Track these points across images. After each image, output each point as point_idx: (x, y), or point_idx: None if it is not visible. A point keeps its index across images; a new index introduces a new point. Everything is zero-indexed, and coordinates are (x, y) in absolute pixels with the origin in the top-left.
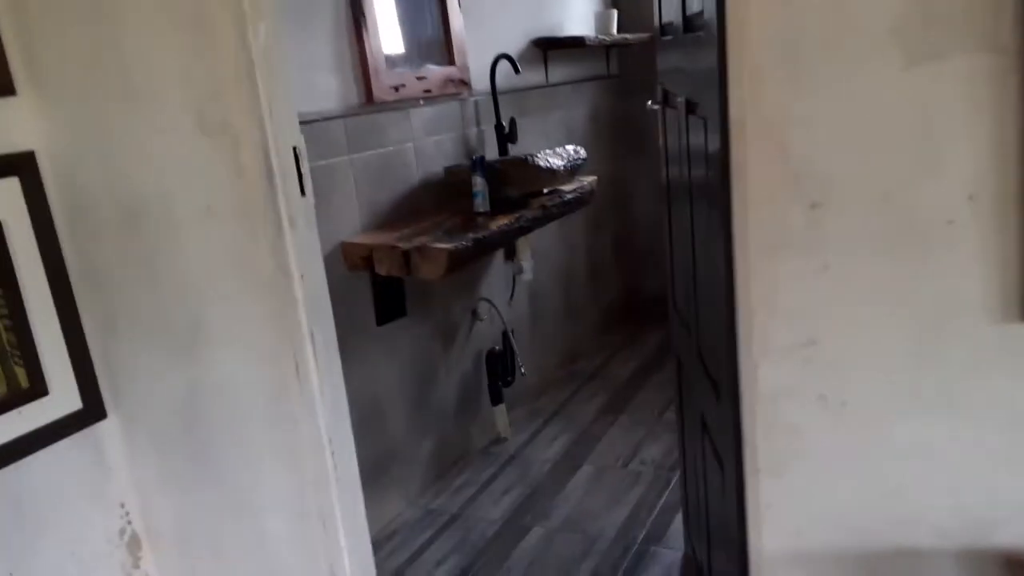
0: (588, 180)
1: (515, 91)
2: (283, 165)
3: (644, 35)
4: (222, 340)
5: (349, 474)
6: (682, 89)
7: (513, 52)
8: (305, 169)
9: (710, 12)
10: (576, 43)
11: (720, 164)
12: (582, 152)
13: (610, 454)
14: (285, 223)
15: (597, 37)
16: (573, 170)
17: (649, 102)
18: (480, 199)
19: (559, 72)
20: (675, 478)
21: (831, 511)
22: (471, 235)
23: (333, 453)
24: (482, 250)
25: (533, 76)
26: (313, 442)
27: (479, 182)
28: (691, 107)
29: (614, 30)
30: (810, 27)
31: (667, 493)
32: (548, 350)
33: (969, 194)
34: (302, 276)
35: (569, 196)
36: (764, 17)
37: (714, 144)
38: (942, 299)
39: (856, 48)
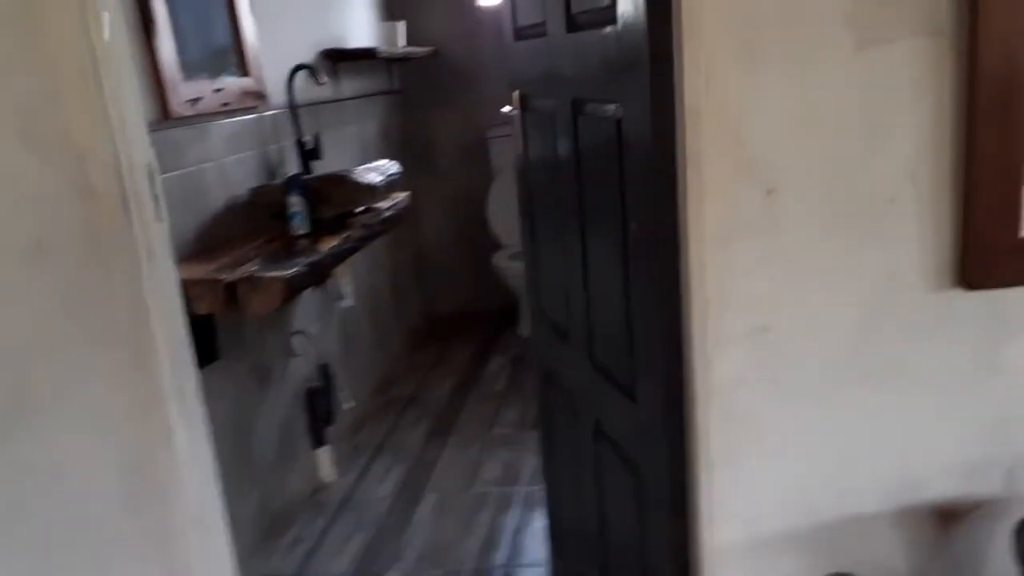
0: (402, 196)
1: (309, 105)
2: (137, 188)
3: (428, 49)
4: (56, 407)
5: (222, 554)
6: (561, 91)
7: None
8: (160, 191)
9: (632, 4)
10: (367, 55)
11: (658, 158)
12: (396, 167)
13: (450, 479)
14: (143, 254)
15: (385, 49)
16: (390, 186)
17: (506, 107)
18: (299, 220)
19: (348, 86)
20: (519, 494)
21: (783, 494)
22: (303, 260)
23: (209, 530)
24: (317, 276)
25: (325, 89)
26: (184, 521)
27: (296, 202)
28: (579, 107)
29: (401, 42)
30: (766, 14)
31: (518, 510)
32: (362, 379)
33: (910, 172)
34: (163, 317)
35: (387, 213)
36: (719, 5)
37: (639, 139)
38: (885, 273)
39: (810, 33)
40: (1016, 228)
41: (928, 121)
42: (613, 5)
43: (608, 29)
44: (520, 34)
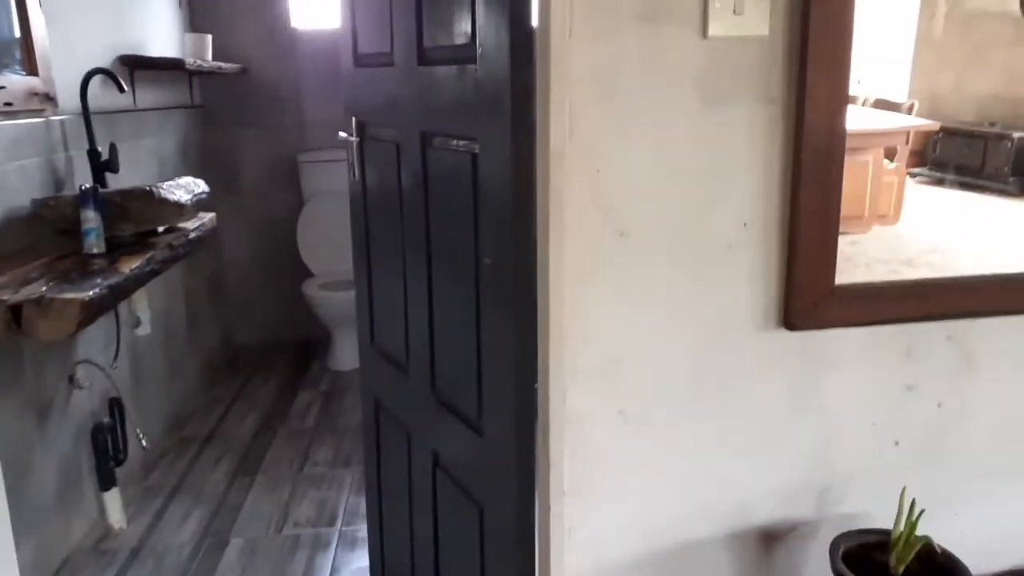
0: (208, 217)
1: (104, 113)
2: None
3: (237, 66)
4: None
5: None
6: (407, 122)
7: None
8: None
9: (495, 47)
10: (173, 65)
11: (518, 196)
12: (204, 185)
13: (258, 522)
14: None
15: (195, 61)
16: (197, 205)
17: (341, 133)
18: (94, 238)
19: (146, 97)
20: (335, 534)
21: (628, 522)
22: (101, 281)
23: None
24: (116, 299)
25: (121, 99)
26: None
27: (92, 217)
28: (429, 140)
29: (209, 56)
30: (626, 70)
31: (335, 551)
32: (154, 415)
33: (744, 221)
34: None
35: (193, 234)
36: (584, 59)
37: (497, 177)
38: (720, 313)
39: (664, 92)
40: (832, 276)
41: (761, 176)
42: (471, 44)
43: (467, 67)
44: (361, 61)
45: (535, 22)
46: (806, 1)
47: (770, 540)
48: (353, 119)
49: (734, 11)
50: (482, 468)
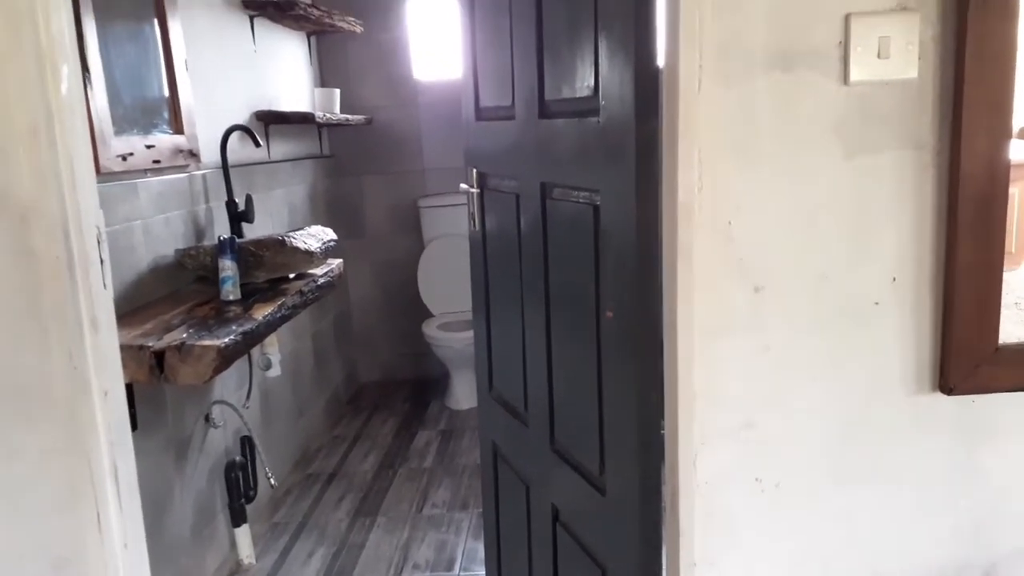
0: (336, 263)
1: (240, 166)
2: (85, 251)
3: (363, 117)
4: None
5: None
6: (527, 173)
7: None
8: (106, 254)
9: (619, 98)
10: (303, 119)
11: (643, 250)
12: (332, 234)
13: (379, 563)
14: (86, 324)
15: (324, 115)
16: (326, 253)
17: (462, 184)
18: (230, 285)
19: (279, 149)
20: None
21: None
22: (236, 327)
23: None
24: (249, 345)
25: (256, 152)
26: None
27: (229, 266)
28: (548, 191)
29: (337, 109)
30: (760, 120)
31: None
32: (282, 453)
33: (893, 277)
34: (106, 393)
35: (322, 280)
36: (715, 109)
37: (620, 228)
38: (867, 375)
39: (801, 141)
40: (995, 336)
41: (910, 229)
42: (594, 96)
43: (589, 119)
44: (483, 115)
45: (662, 70)
46: (961, 41)
47: None
48: (474, 171)
49: (878, 55)
50: (604, 528)
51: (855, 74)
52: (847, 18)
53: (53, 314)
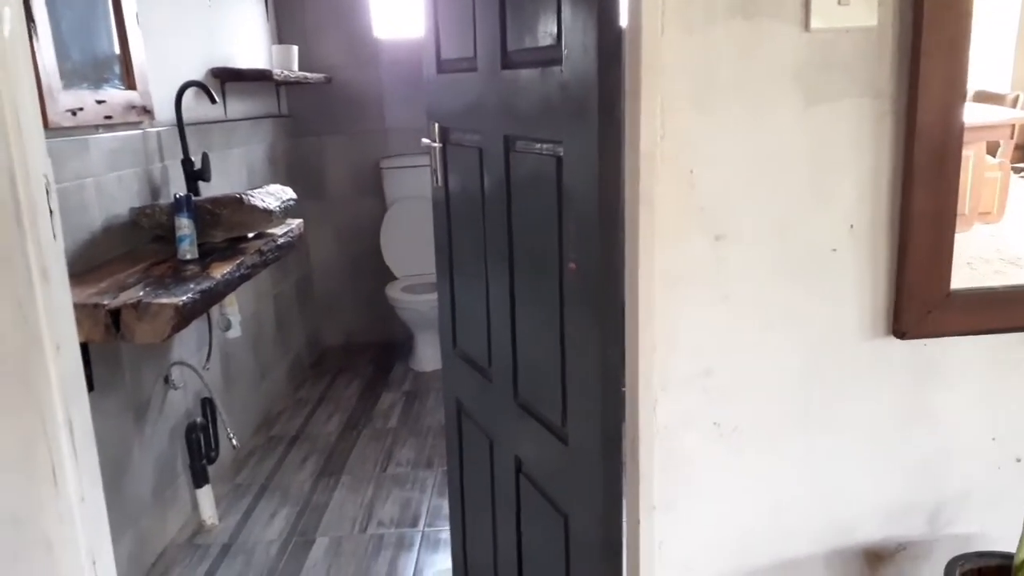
0: (296, 223)
1: (196, 124)
2: (33, 199)
3: (322, 75)
4: None
5: None
6: (490, 127)
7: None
8: (55, 204)
9: (581, 47)
10: (261, 76)
11: (605, 200)
12: (291, 192)
13: (343, 521)
14: (36, 275)
15: (282, 72)
16: (286, 212)
17: (424, 139)
18: (187, 244)
19: (235, 107)
20: (419, 535)
21: (721, 537)
22: (193, 286)
23: None
24: (208, 304)
25: (212, 110)
26: (71, 573)
27: (185, 224)
28: (512, 143)
29: (295, 67)
30: (722, 68)
31: (419, 552)
32: (244, 415)
33: (851, 224)
34: (58, 347)
35: (281, 240)
36: (677, 57)
37: (583, 179)
38: (824, 321)
39: (761, 87)
40: (946, 282)
41: (868, 176)
42: (557, 46)
43: (552, 69)
44: (444, 67)
45: (624, 20)
46: None
47: (875, 560)
48: (435, 125)
49: (839, 2)
50: (567, 477)
51: (816, 21)
52: None
53: (1, 264)
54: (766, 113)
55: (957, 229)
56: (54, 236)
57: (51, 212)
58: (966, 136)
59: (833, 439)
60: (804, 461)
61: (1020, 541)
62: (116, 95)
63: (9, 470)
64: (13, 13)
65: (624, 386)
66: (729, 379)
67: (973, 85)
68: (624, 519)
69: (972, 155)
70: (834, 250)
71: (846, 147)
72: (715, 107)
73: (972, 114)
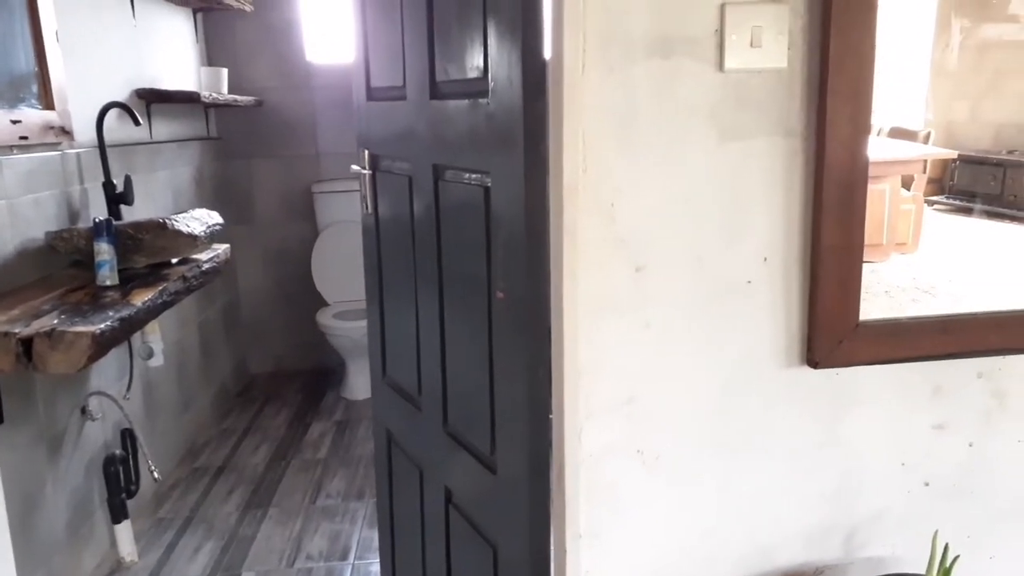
0: (222, 248)
1: (119, 146)
2: None
3: (253, 98)
4: None
5: None
6: (419, 155)
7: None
8: None
9: (507, 81)
10: (188, 98)
11: (530, 230)
12: (218, 217)
13: (270, 555)
14: None
15: (211, 95)
16: (211, 237)
17: (354, 166)
18: (107, 270)
19: (161, 129)
20: (348, 568)
21: (645, 564)
22: (112, 313)
23: None
24: (127, 332)
25: (136, 131)
26: None
27: (105, 249)
28: (440, 172)
29: (225, 89)
30: (640, 105)
31: None
32: (166, 446)
33: (764, 257)
34: None
35: (207, 266)
36: (598, 94)
37: (510, 210)
38: (741, 349)
39: (678, 124)
40: (855, 313)
41: (781, 212)
42: (483, 78)
43: (479, 101)
44: (374, 95)
45: (547, 56)
46: (825, 32)
47: None
48: (365, 152)
49: (751, 44)
50: (495, 507)
51: (729, 62)
52: (723, 7)
53: None
54: (683, 149)
55: (875, 259)
56: None
57: None
58: (882, 170)
59: (752, 465)
60: (725, 487)
61: (929, 563)
62: (33, 115)
63: None
64: None
65: (551, 413)
66: (651, 406)
67: (889, 122)
68: (551, 549)
69: (888, 188)
70: (749, 282)
71: (759, 183)
72: (634, 142)
73: (887, 150)
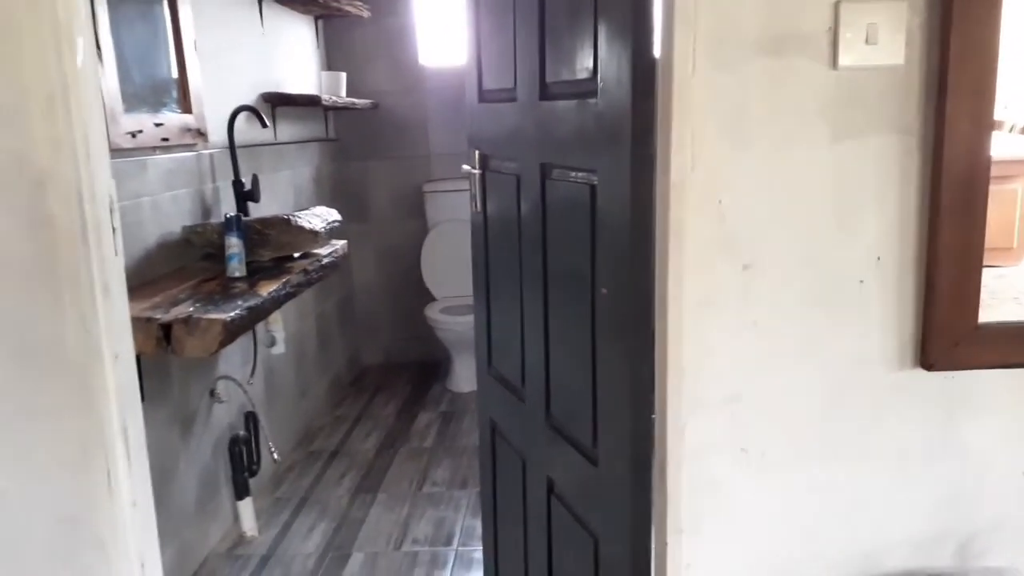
0: (340, 244)
1: (247, 147)
2: (98, 217)
3: (369, 101)
4: None
5: None
6: (528, 155)
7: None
8: (117, 223)
9: (616, 80)
10: (310, 101)
11: (637, 227)
12: (336, 214)
13: (378, 537)
14: (98, 290)
15: (330, 98)
16: (330, 233)
17: (464, 166)
18: (236, 262)
19: (285, 131)
20: (452, 554)
21: (746, 561)
22: (241, 303)
23: None
24: (254, 321)
25: (263, 133)
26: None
27: (235, 243)
28: (548, 171)
29: (343, 92)
30: (750, 103)
31: (452, 571)
32: (284, 430)
33: (877, 256)
34: (116, 356)
35: (326, 260)
36: (708, 92)
37: (616, 207)
38: (851, 350)
39: (789, 123)
40: (974, 315)
41: (895, 211)
42: (592, 79)
43: (588, 101)
44: (485, 97)
45: (657, 55)
46: (946, 28)
47: None
48: (476, 152)
49: (866, 41)
50: (597, 499)
51: (843, 59)
52: (836, 5)
53: (68, 279)
54: (793, 147)
55: (1004, 263)
56: (116, 253)
57: (114, 230)
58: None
59: (860, 468)
60: (831, 489)
61: None
62: (173, 118)
63: (68, 472)
64: (85, 43)
65: (654, 412)
66: (757, 405)
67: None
68: (652, 542)
69: (1020, 189)
70: (861, 281)
71: (872, 181)
72: (744, 140)
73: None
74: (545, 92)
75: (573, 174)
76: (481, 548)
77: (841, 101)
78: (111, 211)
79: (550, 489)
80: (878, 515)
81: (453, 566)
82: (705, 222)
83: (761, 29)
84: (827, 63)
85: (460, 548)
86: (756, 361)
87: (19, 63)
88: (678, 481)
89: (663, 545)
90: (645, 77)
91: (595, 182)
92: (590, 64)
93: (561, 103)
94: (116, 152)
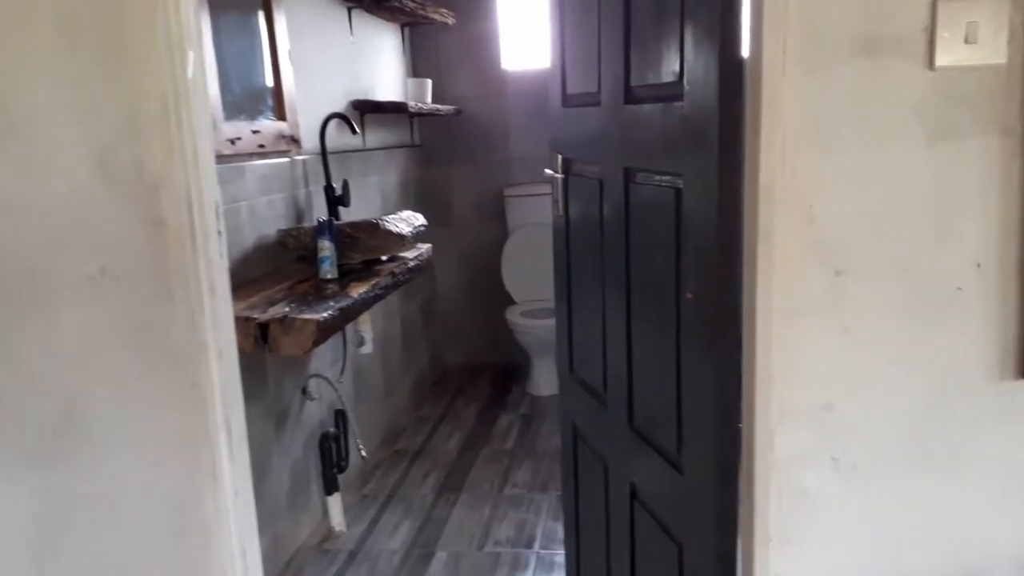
0: (425, 247)
1: (337, 153)
2: (205, 222)
3: (453, 107)
4: (104, 435)
5: None
6: (611, 159)
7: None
8: (223, 227)
9: (703, 83)
10: (397, 108)
11: (723, 232)
12: (422, 219)
13: (461, 537)
14: (205, 290)
15: (416, 104)
16: (417, 237)
17: (547, 170)
18: (328, 265)
19: (372, 137)
20: (533, 556)
21: (837, 573)
22: (333, 304)
23: (248, 571)
24: (345, 321)
25: (352, 139)
26: (224, 562)
27: (327, 246)
28: (631, 175)
29: (429, 99)
30: (843, 105)
31: (532, 572)
32: (371, 428)
33: (977, 263)
34: (220, 354)
35: (413, 263)
36: (798, 94)
37: (702, 211)
38: (949, 360)
39: (883, 125)
40: None
41: (996, 215)
42: (678, 81)
43: (673, 104)
44: (569, 101)
45: (746, 56)
46: None
47: None
48: (559, 157)
49: (966, 40)
50: (681, 506)
51: (941, 59)
52: (934, 3)
53: (177, 279)
54: (887, 150)
55: None
56: (221, 255)
57: (219, 234)
58: None
59: (959, 481)
60: (927, 502)
61: None
62: (269, 125)
63: (176, 462)
64: (196, 57)
65: (740, 420)
66: (848, 414)
67: None
68: (739, 551)
69: None
70: (959, 289)
71: (972, 184)
72: (835, 143)
73: None
74: (630, 96)
75: (658, 178)
76: (562, 552)
77: (938, 102)
78: (217, 215)
79: (633, 495)
80: (978, 530)
81: (535, 569)
82: (795, 226)
83: (853, 29)
84: (923, 63)
85: (541, 551)
86: (848, 369)
87: (137, 75)
88: (766, 490)
89: (750, 555)
90: (733, 79)
91: (680, 185)
92: (676, 67)
93: (646, 107)
94: (218, 159)
